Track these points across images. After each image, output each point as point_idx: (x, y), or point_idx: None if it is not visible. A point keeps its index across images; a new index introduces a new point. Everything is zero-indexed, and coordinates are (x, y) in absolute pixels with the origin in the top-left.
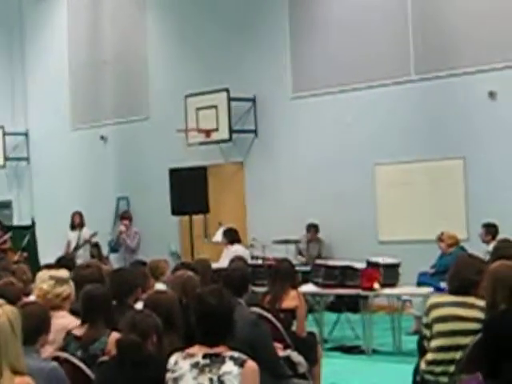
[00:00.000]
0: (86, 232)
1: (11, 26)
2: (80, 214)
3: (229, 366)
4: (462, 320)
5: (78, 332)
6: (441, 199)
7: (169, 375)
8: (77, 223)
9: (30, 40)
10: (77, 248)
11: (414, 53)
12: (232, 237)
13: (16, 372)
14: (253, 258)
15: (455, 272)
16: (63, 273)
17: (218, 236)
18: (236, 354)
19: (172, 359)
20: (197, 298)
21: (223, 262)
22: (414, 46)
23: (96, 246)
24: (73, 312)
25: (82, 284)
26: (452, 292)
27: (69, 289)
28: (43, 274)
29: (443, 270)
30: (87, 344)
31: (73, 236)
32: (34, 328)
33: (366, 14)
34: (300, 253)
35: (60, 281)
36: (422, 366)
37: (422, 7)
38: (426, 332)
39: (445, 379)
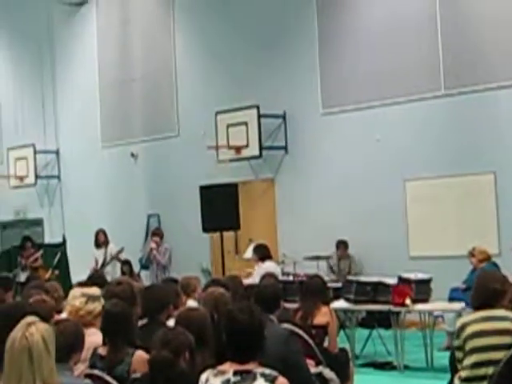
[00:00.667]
0: (112, 248)
1: (41, 44)
2: (104, 232)
3: (260, 383)
4: (494, 334)
5: (103, 351)
6: (472, 214)
7: None
8: (101, 241)
9: (60, 59)
10: (103, 265)
11: (443, 67)
12: (263, 253)
13: None
14: (284, 274)
15: (478, 286)
16: (95, 290)
17: (249, 253)
18: (267, 371)
19: (203, 376)
20: (227, 315)
21: (255, 279)
22: (443, 60)
23: (127, 263)
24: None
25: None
26: (477, 307)
27: (100, 306)
28: (75, 292)
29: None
30: (112, 366)
31: (98, 254)
32: (68, 345)
33: (395, 29)
34: (331, 269)
35: (92, 298)
36: (457, 382)
37: (451, 21)
38: (459, 354)
39: None
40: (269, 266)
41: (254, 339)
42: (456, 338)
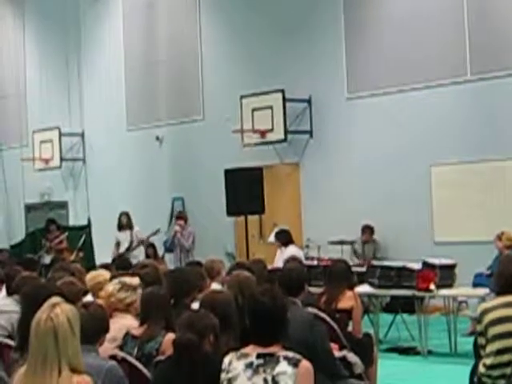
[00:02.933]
0: (137, 232)
1: (67, 27)
2: (127, 215)
3: (283, 366)
4: None
5: (136, 332)
6: (497, 199)
7: (223, 375)
8: (124, 224)
9: (86, 41)
10: (129, 249)
11: (469, 53)
12: (285, 239)
13: (74, 370)
14: (308, 258)
15: (501, 271)
16: (134, 280)
17: (273, 237)
18: (290, 354)
19: (226, 359)
20: (250, 298)
21: (277, 264)
22: (469, 45)
23: (152, 245)
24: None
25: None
26: (500, 292)
27: (134, 296)
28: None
29: None
30: (143, 343)
31: (123, 237)
32: (97, 328)
33: (421, 13)
34: (355, 254)
35: (126, 286)
36: (481, 369)
37: (477, 7)
38: (481, 340)
39: (502, 382)
40: (292, 250)
41: (276, 322)
42: (478, 323)
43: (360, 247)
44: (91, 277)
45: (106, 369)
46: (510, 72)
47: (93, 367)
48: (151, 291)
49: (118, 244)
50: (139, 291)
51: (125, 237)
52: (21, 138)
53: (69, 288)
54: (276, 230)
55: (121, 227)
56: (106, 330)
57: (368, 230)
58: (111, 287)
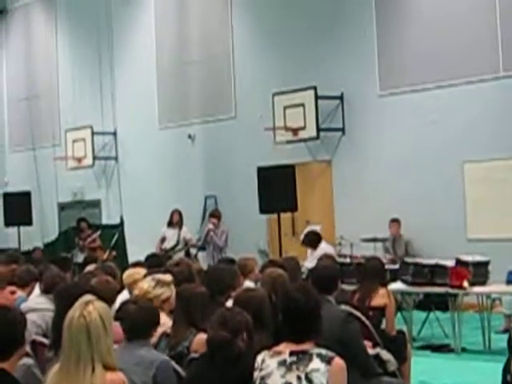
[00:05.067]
0: (185, 232)
1: (99, 26)
2: (179, 213)
3: (316, 363)
4: None
5: (170, 330)
6: None
7: (256, 373)
8: (175, 221)
9: (118, 41)
10: (175, 247)
11: (502, 48)
12: (313, 241)
13: (108, 367)
14: (340, 256)
15: None
16: (167, 276)
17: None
18: (323, 351)
19: (259, 357)
20: (283, 295)
21: (309, 263)
22: (502, 41)
23: (186, 244)
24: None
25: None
26: None
27: (169, 292)
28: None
29: None
30: (176, 342)
31: (170, 233)
32: (148, 322)
33: (454, 9)
34: (387, 251)
35: (161, 283)
36: None
37: (510, 2)
38: None
39: None
40: (324, 248)
41: (309, 319)
42: None
43: (390, 245)
44: (128, 274)
45: (159, 362)
46: None
47: (145, 360)
48: (186, 289)
49: (163, 239)
50: (172, 287)
51: (172, 234)
52: (53, 137)
53: (104, 286)
54: (305, 231)
55: (170, 224)
56: (157, 323)
57: (394, 223)
58: (146, 284)
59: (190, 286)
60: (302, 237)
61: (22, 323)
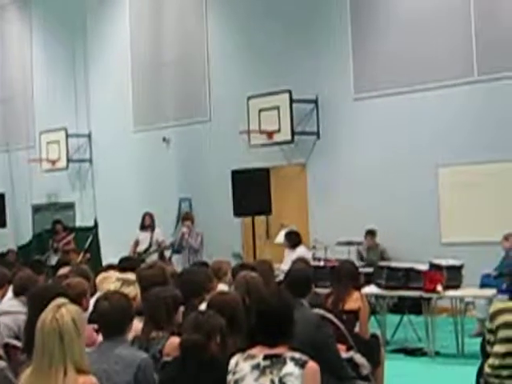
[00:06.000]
0: (158, 234)
1: (74, 28)
2: (151, 216)
3: (290, 367)
4: None
5: (141, 333)
6: (505, 201)
7: (230, 377)
8: (147, 224)
9: (93, 42)
10: (148, 250)
11: (477, 52)
12: (294, 240)
13: (80, 371)
14: (315, 259)
15: None
16: (130, 275)
17: (280, 237)
18: (297, 355)
19: (233, 361)
20: (257, 299)
21: (285, 265)
22: (476, 45)
23: (159, 246)
24: (137, 313)
25: (146, 285)
26: None
27: (135, 290)
28: (109, 276)
29: (507, 271)
30: (148, 345)
31: (143, 236)
32: (122, 317)
33: (428, 13)
34: (361, 258)
35: (127, 282)
36: (487, 370)
37: (484, 6)
38: (490, 337)
39: (511, 382)
40: (300, 251)
41: (282, 323)
42: (489, 321)
43: (365, 252)
44: (102, 277)
45: (140, 360)
46: None
47: (125, 358)
48: (158, 291)
49: (136, 243)
50: (137, 286)
51: (145, 237)
52: (28, 139)
53: (74, 286)
54: (285, 230)
55: (143, 227)
56: (132, 317)
57: (370, 235)
58: (112, 285)
59: (156, 290)
60: (279, 236)
61: None
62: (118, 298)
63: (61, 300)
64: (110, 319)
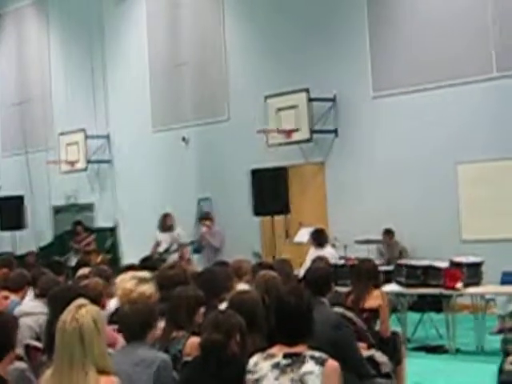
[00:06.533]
0: (178, 233)
1: (91, 29)
2: (171, 216)
3: (310, 366)
4: None
5: (162, 333)
6: None
7: (249, 376)
8: (167, 225)
9: (110, 43)
10: (168, 250)
11: (495, 50)
12: (321, 239)
13: (101, 371)
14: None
15: None
16: (145, 273)
17: (300, 236)
18: (317, 354)
19: (252, 360)
20: (276, 298)
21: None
22: (494, 42)
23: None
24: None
25: (167, 285)
26: None
27: (151, 288)
28: (125, 275)
29: None
30: (167, 346)
31: (163, 237)
32: (142, 323)
33: (446, 10)
34: (381, 254)
35: (142, 280)
36: (509, 367)
37: (502, 3)
38: None
39: None
40: (328, 251)
41: (302, 321)
42: (510, 319)
43: (385, 250)
44: (122, 278)
45: (160, 361)
46: None
47: (145, 359)
48: (179, 291)
49: (157, 244)
50: (152, 283)
51: (165, 237)
52: (47, 140)
53: (91, 287)
54: (305, 229)
55: (164, 228)
56: (151, 323)
57: (387, 234)
58: (128, 284)
59: (178, 290)
60: (300, 235)
61: (12, 327)
62: (141, 303)
63: (81, 300)
64: (130, 324)
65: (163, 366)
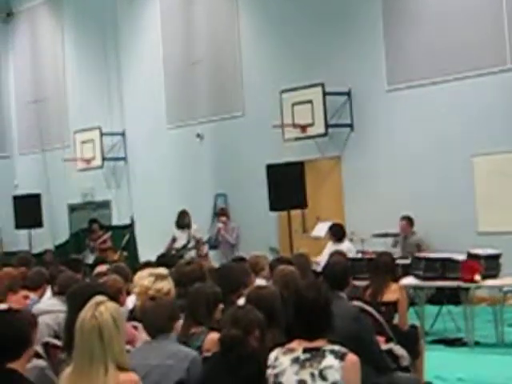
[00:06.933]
0: (196, 230)
1: (106, 27)
2: (187, 213)
3: (330, 360)
4: None
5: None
6: None
7: (269, 371)
8: (184, 222)
9: (125, 40)
10: (186, 247)
11: (509, 41)
12: (339, 233)
13: (121, 368)
14: (357, 252)
15: None
16: (162, 270)
17: (317, 231)
18: (336, 348)
19: (272, 355)
20: (295, 292)
21: (325, 258)
22: (509, 33)
23: (197, 242)
24: None
25: (184, 281)
26: None
27: (168, 285)
28: (142, 272)
29: None
30: (186, 341)
31: (180, 234)
32: (166, 317)
33: (461, 3)
34: (395, 244)
35: (160, 277)
36: None
37: None
38: None
39: None
40: (347, 246)
41: (321, 316)
42: None
43: (402, 240)
44: (140, 275)
45: (193, 357)
46: None
47: (178, 354)
48: (199, 288)
49: (173, 240)
50: (170, 280)
51: (182, 234)
52: (62, 138)
53: (110, 285)
54: (323, 223)
55: (180, 226)
56: (175, 316)
57: (406, 220)
58: (146, 281)
59: (197, 286)
60: (317, 229)
61: (30, 324)
62: (163, 299)
63: (100, 298)
64: (154, 319)
65: (197, 360)
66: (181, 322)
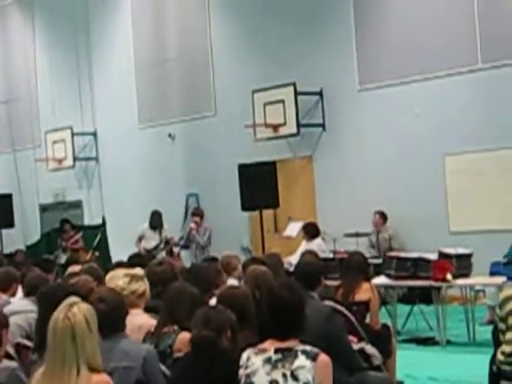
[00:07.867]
0: (166, 230)
1: (76, 25)
2: (159, 214)
3: (301, 361)
4: None
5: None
6: None
7: (242, 371)
8: (157, 223)
9: (96, 40)
10: (158, 247)
11: (480, 41)
12: (313, 232)
13: (93, 369)
14: (324, 251)
15: None
16: (137, 270)
17: (289, 230)
18: (308, 348)
19: (244, 355)
20: (268, 292)
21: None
22: (480, 33)
23: (167, 242)
24: (147, 310)
25: (155, 281)
26: None
27: (144, 285)
28: (118, 272)
29: None
30: (158, 341)
31: (151, 234)
32: (118, 315)
33: (430, 3)
34: (372, 246)
35: (135, 277)
36: (500, 357)
37: None
38: (502, 325)
39: None
40: (317, 243)
41: (294, 315)
42: (499, 308)
43: (375, 238)
44: (111, 276)
45: (145, 352)
46: None
47: (130, 353)
48: (181, 287)
49: (140, 239)
50: (146, 281)
51: (153, 234)
52: (33, 138)
53: (81, 285)
54: (295, 223)
55: (153, 226)
56: (127, 312)
57: (379, 214)
58: (120, 281)
59: (179, 285)
60: (289, 229)
61: (1, 324)
62: (112, 295)
63: (73, 299)
64: (109, 317)
65: (149, 356)
66: (152, 324)
